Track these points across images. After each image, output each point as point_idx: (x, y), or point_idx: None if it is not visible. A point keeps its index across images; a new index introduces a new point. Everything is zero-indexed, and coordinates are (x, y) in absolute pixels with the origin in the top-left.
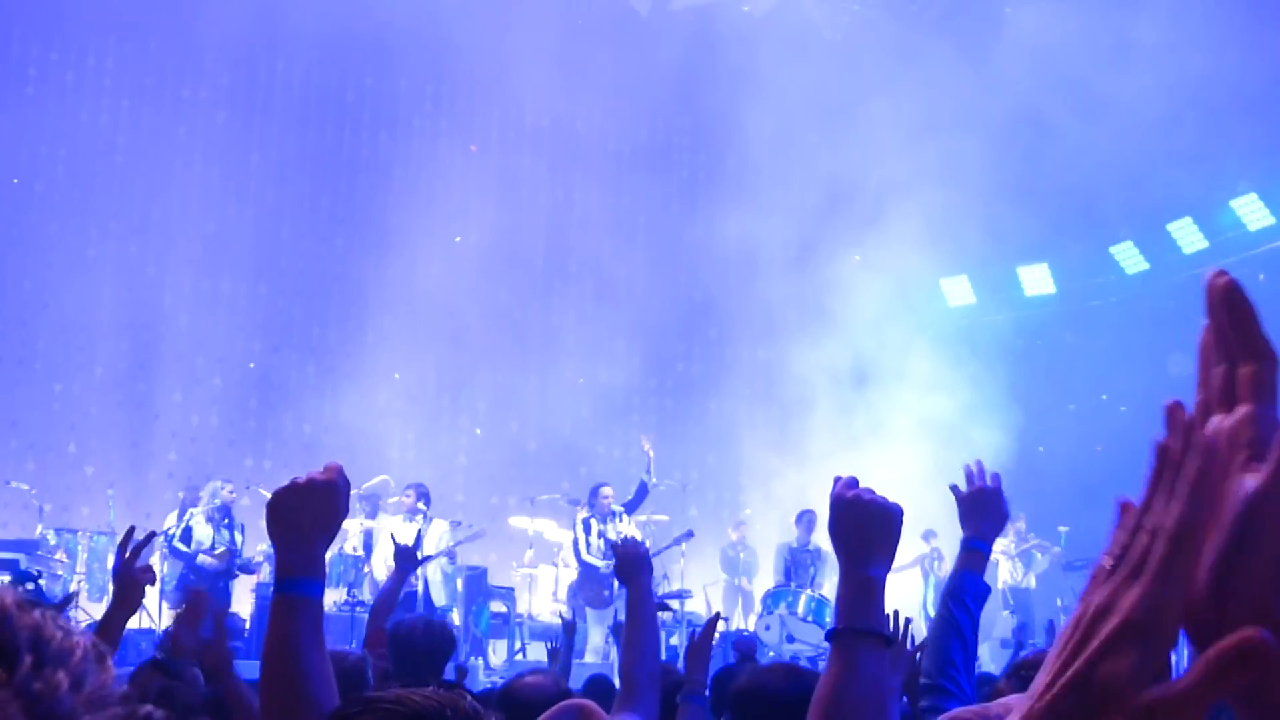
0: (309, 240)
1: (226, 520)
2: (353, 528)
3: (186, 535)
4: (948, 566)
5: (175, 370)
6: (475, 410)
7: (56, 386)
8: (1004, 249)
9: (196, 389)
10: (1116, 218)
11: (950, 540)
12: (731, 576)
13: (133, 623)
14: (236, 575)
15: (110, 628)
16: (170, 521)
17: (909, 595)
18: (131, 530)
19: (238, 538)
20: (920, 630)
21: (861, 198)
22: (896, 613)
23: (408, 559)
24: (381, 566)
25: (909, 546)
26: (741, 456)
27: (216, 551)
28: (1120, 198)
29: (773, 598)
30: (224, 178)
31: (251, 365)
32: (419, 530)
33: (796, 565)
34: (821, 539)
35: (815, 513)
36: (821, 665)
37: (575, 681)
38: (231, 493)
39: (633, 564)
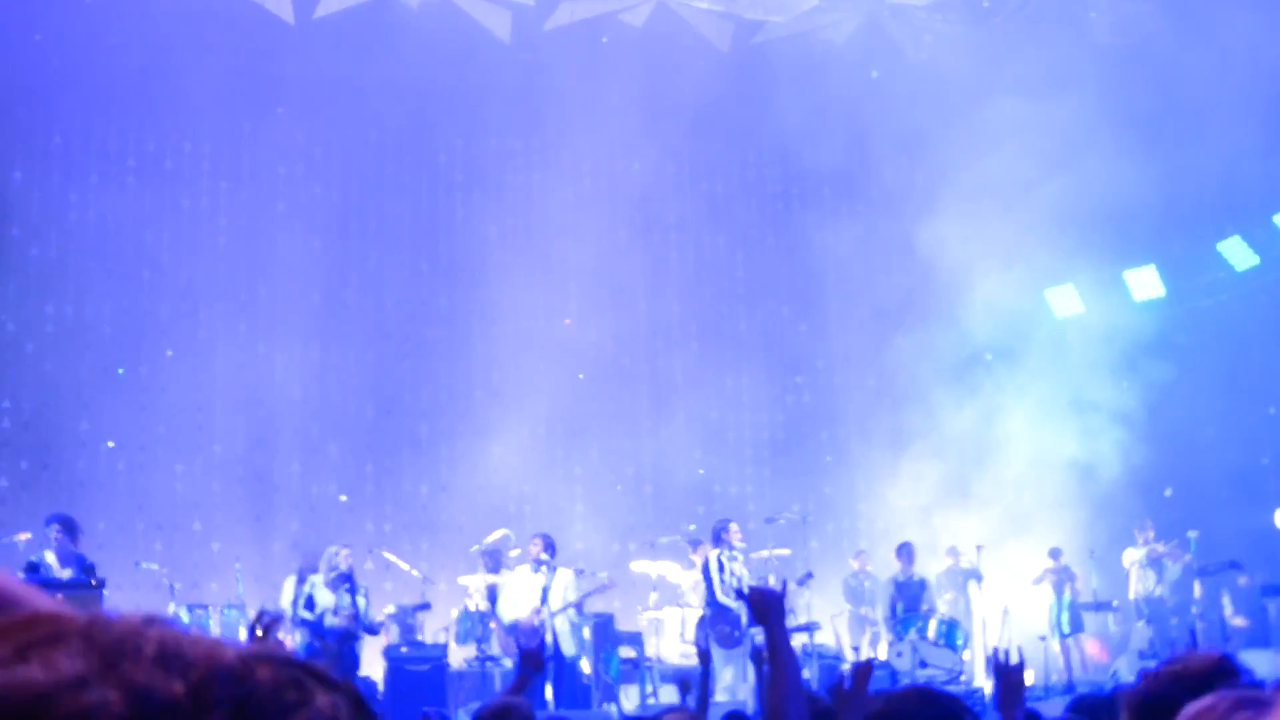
0: (412, 304)
1: (348, 585)
2: (475, 583)
3: (309, 603)
4: (1080, 585)
5: (291, 442)
6: (589, 458)
7: (178, 467)
8: (1108, 253)
9: (313, 459)
10: (1220, 213)
11: (1076, 556)
12: (855, 606)
13: None
14: (361, 637)
15: None
16: (287, 589)
17: (1038, 612)
18: (262, 613)
19: (360, 601)
20: (1054, 648)
21: (959, 214)
22: (1005, 651)
23: (536, 664)
24: (510, 611)
25: (1037, 563)
26: (856, 484)
27: (341, 614)
28: (1222, 192)
29: (903, 624)
30: (325, 249)
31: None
32: (544, 585)
33: (905, 596)
34: (922, 569)
35: (912, 544)
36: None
37: (712, 718)
38: (349, 558)
39: (766, 609)
